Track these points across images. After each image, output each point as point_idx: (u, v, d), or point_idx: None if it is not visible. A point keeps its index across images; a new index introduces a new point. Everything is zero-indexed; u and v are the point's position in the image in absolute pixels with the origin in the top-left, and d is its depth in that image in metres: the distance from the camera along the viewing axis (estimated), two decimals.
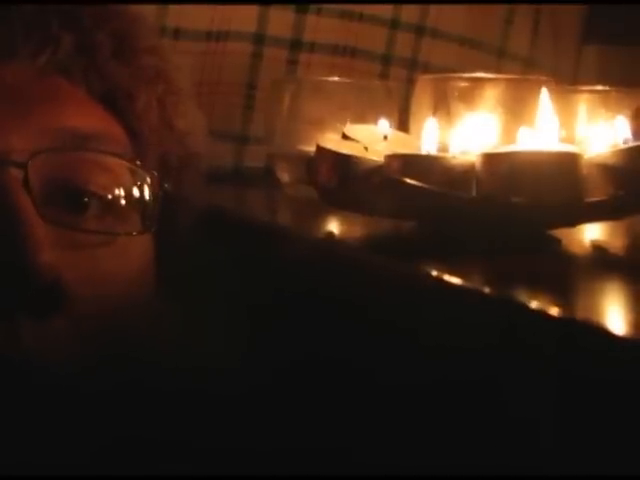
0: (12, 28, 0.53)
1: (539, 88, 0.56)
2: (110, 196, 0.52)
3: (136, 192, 0.53)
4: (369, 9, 0.97)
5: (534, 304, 0.42)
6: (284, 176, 0.80)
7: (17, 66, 0.52)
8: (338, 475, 0.52)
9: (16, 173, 0.48)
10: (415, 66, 1.01)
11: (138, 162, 0.54)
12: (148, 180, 0.53)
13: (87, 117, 0.53)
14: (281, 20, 0.93)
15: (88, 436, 0.48)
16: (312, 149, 0.61)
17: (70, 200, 0.51)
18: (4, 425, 0.46)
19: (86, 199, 0.51)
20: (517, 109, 0.60)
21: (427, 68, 1.02)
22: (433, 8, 1.01)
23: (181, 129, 0.58)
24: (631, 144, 0.56)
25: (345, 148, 0.59)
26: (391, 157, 0.55)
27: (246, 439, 0.55)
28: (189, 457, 0.52)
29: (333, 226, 0.64)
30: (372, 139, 0.62)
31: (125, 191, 0.52)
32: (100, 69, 0.55)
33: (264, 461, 0.53)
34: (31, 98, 0.51)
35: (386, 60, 1.00)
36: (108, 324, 0.49)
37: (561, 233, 0.57)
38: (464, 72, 0.64)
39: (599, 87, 0.73)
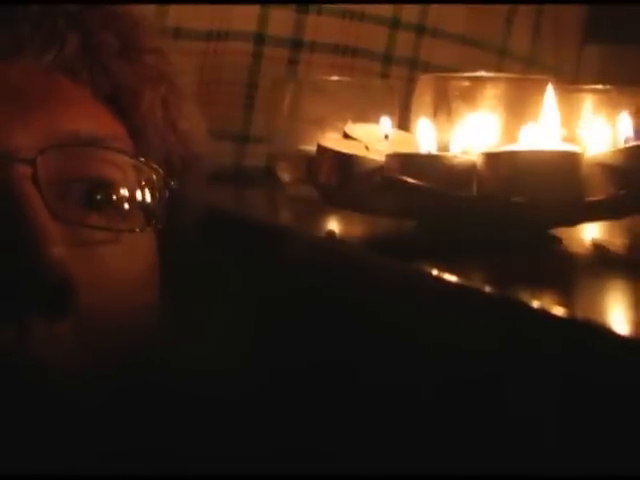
0: (18, 27, 0.53)
1: (540, 87, 0.56)
2: (117, 193, 0.52)
3: (142, 189, 0.53)
4: (370, 9, 0.97)
5: (535, 304, 0.42)
6: (285, 176, 0.80)
7: (23, 65, 0.52)
8: (339, 475, 0.52)
9: (24, 170, 0.48)
10: (416, 65, 1.01)
11: (144, 160, 0.53)
12: (154, 178, 0.53)
13: (92, 118, 0.53)
14: (282, 20, 0.93)
15: (93, 435, 0.48)
16: (313, 148, 0.61)
17: (78, 197, 0.50)
18: (10, 424, 0.46)
19: (93, 196, 0.51)
20: (518, 108, 0.60)
21: (428, 67, 1.02)
22: (433, 7, 1.01)
23: (184, 130, 0.58)
24: (632, 143, 0.56)
25: (346, 147, 0.59)
26: (392, 156, 0.55)
27: (247, 439, 0.55)
28: (189, 456, 0.52)
29: (334, 226, 0.64)
30: (373, 138, 0.62)
31: (131, 188, 0.52)
32: (105, 68, 0.55)
33: (264, 461, 0.53)
34: (37, 98, 0.51)
35: (387, 60, 1.00)
36: (114, 322, 0.49)
37: (561, 232, 0.57)
38: (465, 71, 0.64)
39: (600, 86, 0.73)
